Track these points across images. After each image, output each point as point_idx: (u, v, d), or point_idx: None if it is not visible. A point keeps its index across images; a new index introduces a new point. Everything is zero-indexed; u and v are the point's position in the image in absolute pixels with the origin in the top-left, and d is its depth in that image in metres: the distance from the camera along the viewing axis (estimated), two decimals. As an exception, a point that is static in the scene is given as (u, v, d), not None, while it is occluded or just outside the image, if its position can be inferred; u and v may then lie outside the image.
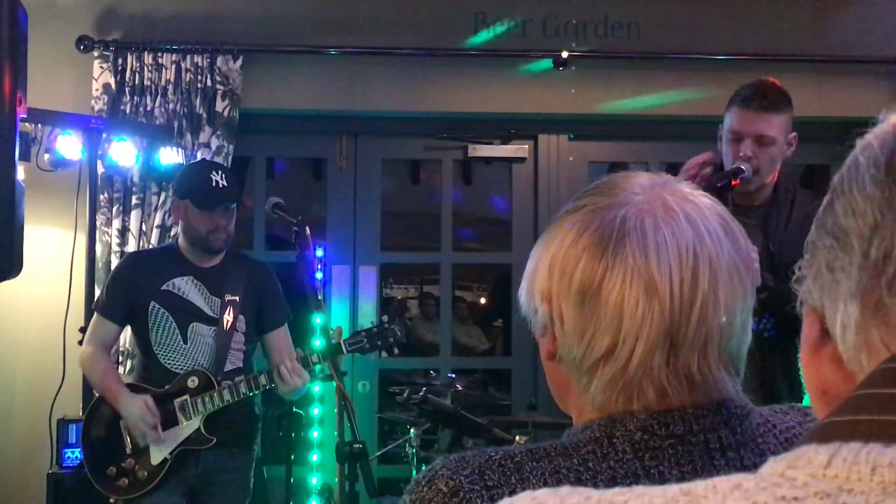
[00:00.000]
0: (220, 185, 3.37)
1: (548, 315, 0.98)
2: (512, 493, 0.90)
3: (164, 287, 3.42)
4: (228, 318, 3.42)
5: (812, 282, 0.65)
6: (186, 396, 3.33)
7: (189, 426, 3.33)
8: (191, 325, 3.40)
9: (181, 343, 3.40)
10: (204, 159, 4.24)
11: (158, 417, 3.29)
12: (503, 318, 5.05)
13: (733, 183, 2.72)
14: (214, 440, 3.34)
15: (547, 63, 4.63)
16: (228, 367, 3.42)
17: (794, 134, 2.86)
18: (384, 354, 3.48)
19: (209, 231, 3.39)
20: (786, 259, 2.73)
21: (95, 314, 3.54)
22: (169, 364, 3.38)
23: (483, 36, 4.67)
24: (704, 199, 0.98)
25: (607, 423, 0.94)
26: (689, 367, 0.92)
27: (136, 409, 3.28)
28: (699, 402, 0.94)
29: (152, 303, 3.40)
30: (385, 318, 3.51)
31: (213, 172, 3.41)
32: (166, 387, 3.35)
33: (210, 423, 3.34)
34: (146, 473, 3.32)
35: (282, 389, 3.35)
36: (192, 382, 3.35)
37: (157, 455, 3.33)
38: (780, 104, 2.81)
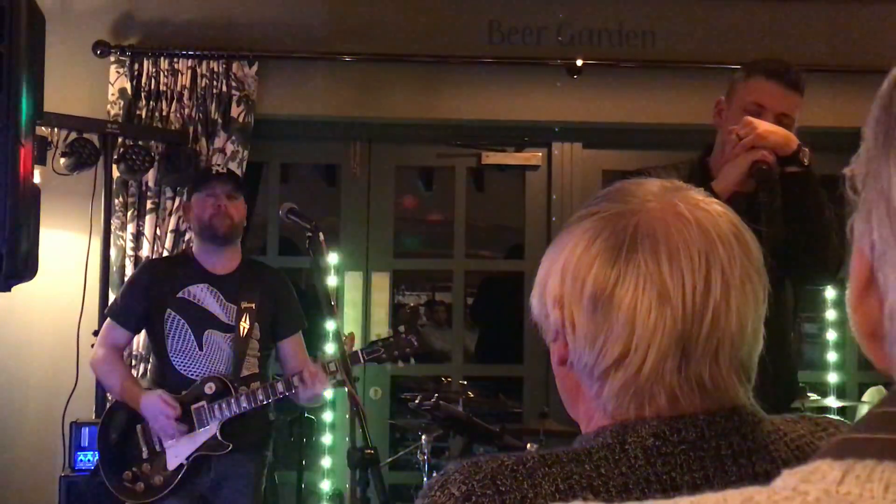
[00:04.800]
0: (218, 172, 3.44)
1: (559, 321, 0.98)
2: (524, 498, 0.91)
3: (179, 294, 3.43)
4: (244, 325, 3.42)
5: (862, 224, 0.59)
6: (203, 402, 3.34)
7: (206, 432, 3.34)
8: (206, 333, 3.41)
9: (197, 350, 3.41)
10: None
11: (178, 410, 3.30)
12: (513, 326, 5.02)
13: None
14: (231, 446, 3.34)
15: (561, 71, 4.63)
16: (244, 373, 3.42)
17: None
18: (401, 364, 3.47)
19: (212, 215, 3.41)
20: (774, 244, 2.35)
21: (108, 319, 3.55)
22: (185, 371, 3.39)
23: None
24: (717, 207, 0.98)
25: (619, 429, 0.94)
26: (701, 374, 0.93)
27: (154, 403, 3.30)
28: (711, 408, 0.94)
29: (168, 310, 3.42)
30: (401, 327, 3.49)
31: (213, 167, 3.49)
32: (183, 393, 3.36)
33: (225, 428, 3.35)
34: (162, 479, 3.33)
35: (302, 397, 3.35)
36: (210, 388, 3.35)
37: (173, 460, 3.34)
38: (804, 85, 2.56)
